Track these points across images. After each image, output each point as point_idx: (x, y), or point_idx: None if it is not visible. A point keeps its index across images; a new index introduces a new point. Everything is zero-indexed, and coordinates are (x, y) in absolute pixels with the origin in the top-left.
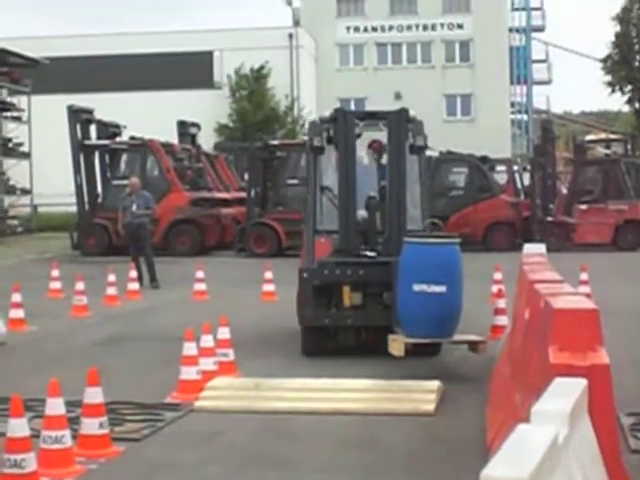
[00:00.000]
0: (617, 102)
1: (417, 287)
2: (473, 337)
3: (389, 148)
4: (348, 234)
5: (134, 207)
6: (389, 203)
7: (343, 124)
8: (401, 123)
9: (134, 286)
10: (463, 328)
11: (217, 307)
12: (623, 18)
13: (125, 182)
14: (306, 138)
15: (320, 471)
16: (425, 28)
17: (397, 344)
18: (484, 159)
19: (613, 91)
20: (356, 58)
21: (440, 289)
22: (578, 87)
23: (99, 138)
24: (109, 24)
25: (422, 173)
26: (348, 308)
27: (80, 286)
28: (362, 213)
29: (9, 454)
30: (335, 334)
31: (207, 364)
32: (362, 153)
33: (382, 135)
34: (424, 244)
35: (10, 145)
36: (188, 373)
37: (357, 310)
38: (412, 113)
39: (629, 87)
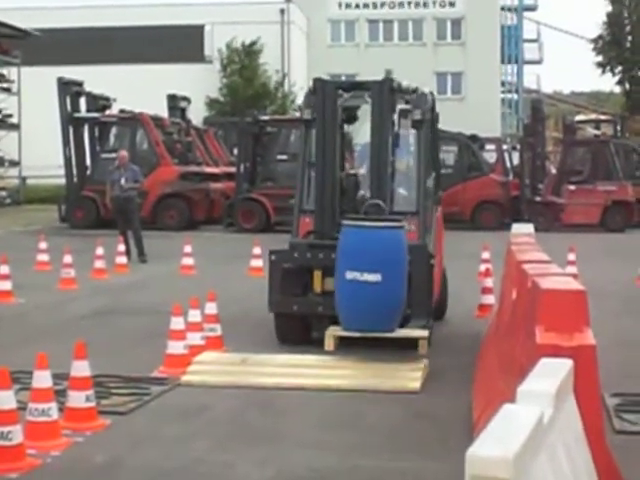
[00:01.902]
0: (608, 83)
1: (350, 274)
2: (417, 333)
3: (371, 121)
4: (324, 215)
5: (122, 180)
6: (370, 182)
7: (321, 95)
8: (384, 94)
9: (122, 260)
10: (452, 306)
11: (205, 282)
12: None
13: (114, 155)
14: (298, 113)
15: (305, 447)
16: (417, 5)
17: (327, 337)
18: (474, 138)
19: (604, 72)
20: (347, 34)
21: (374, 278)
22: (569, 67)
23: (89, 111)
24: None
25: (421, 150)
26: (319, 295)
27: (68, 259)
28: (362, 193)
29: None
30: (308, 322)
31: (194, 339)
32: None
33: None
34: (359, 227)
35: None
36: (175, 347)
37: (329, 297)
38: (406, 84)
39: (619, 68)
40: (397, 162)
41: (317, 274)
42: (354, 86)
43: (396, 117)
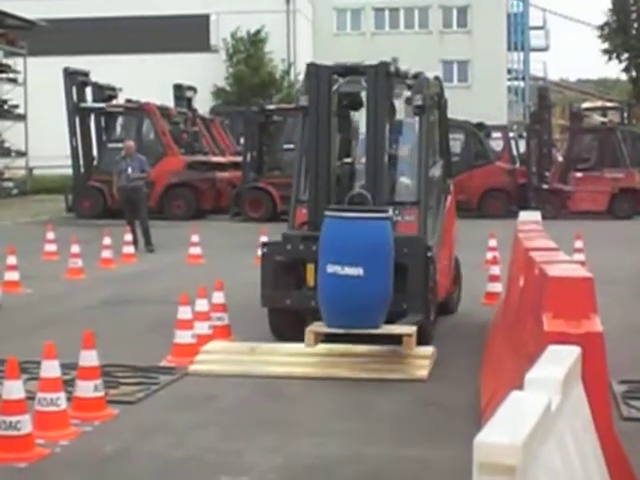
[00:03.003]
0: (615, 70)
1: (331, 268)
2: (402, 329)
3: (366, 107)
4: (317, 205)
5: (129, 170)
6: (365, 171)
7: (315, 80)
8: (380, 78)
9: (129, 249)
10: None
11: (212, 271)
12: None
13: (120, 145)
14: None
15: (313, 436)
16: None
17: (308, 333)
18: (480, 126)
19: (610, 59)
20: (353, 23)
21: (355, 272)
22: (575, 54)
23: (95, 101)
24: None
25: (423, 137)
26: (312, 288)
27: (75, 249)
28: (361, 183)
29: (4, 416)
30: (303, 316)
31: (202, 328)
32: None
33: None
34: (341, 218)
35: (5, 107)
36: (183, 337)
37: None
38: (405, 68)
39: (626, 55)
40: (400, 150)
41: (310, 267)
42: (349, 71)
43: (397, 103)
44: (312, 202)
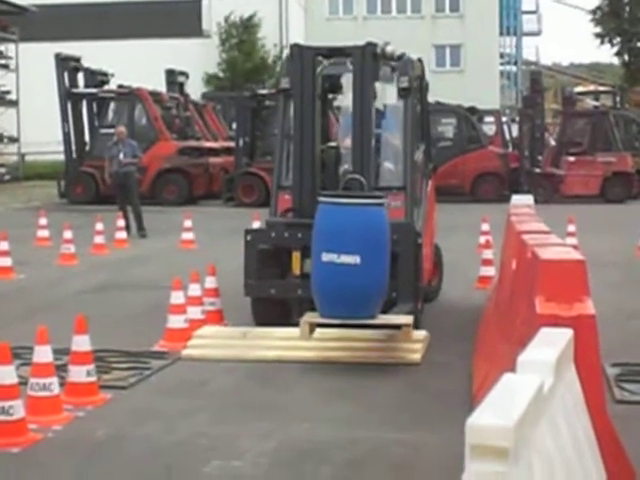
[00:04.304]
0: (607, 54)
1: (326, 256)
2: (400, 319)
3: (353, 89)
4: (302, 191)
5: (121, 156)
6: (352, 155)
7: (299, 62)
8: (366, 60)
9: (122, 235)
10: (452, 278)
11: (205, 256)
12: None
13: (112, 131)
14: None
15: (305, 420)
16: None
17: (302, 324)
18: (472, 110)
19: (602, 43)
20: (345, 7)
21: (352, 260)
22: (568, 39)
23: (87, 86)
24: None
25: (408, 121)
26: (298, 277)
27: (68, 234)
28: (345, 167)
29: None
30: (288, 306)
31: (194, 313)
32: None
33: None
34: (336, 205)
35: None
36: (175, 321)
37: (308, 280)
38: (391, 49)
39: (618, 39)
40: (383, 134)
41: (296, 255)
42: (334, 52)
43: (378, 85)
44: (297, 188)
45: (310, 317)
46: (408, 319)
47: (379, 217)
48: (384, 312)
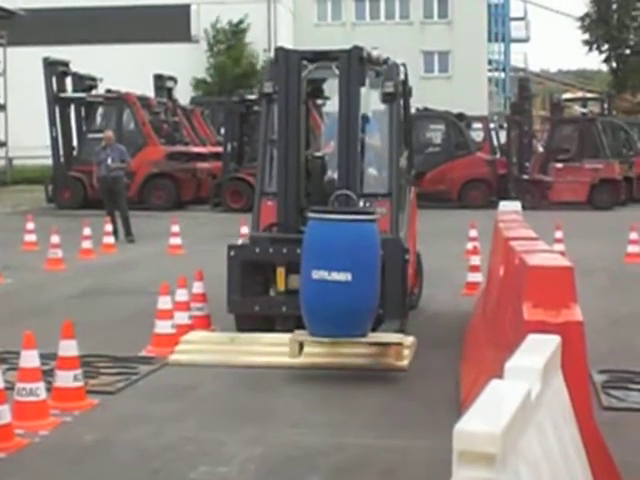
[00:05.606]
0: (595, 61)
1: (316, 274)
2: (391, 338)
3: (339, 94)
4: (287, 203)
5: (109, 160)
6: (338, 161)
7: (284, 66)
8: (352, 64)
9: (109, 240)
10: (439, 284)
11: (192, 261)
12: None
13: (100, 135)
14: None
15: (293, 426)
16: None
17: (291, 343)
18: (461, 116)
19: (590, 50)
20: (334, 13)
21: (344, 277)
22: (556, 45)
23: (75, 91)
24: None
25: (393, 126)
26: (282, 293)
27: (55, 239)
28: (329, 175)
29: None
30: (272, 323)
31: (182, 318)
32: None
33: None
34: (327, 220)
35: None
36: (163, 327)
37: (293, 296)
38: (376, 54)
39: (606, 46)
40: (368, 139)
41: (280, 271)
42: (320, 56)
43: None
44: (282, 199)
45: (299, 335)
46: (399, 338)
47: (370, 233)
48: (372, 329)
